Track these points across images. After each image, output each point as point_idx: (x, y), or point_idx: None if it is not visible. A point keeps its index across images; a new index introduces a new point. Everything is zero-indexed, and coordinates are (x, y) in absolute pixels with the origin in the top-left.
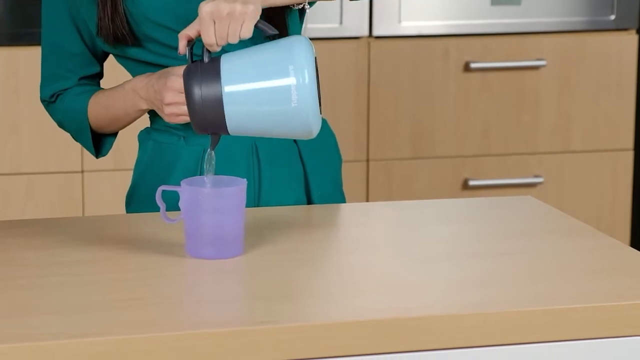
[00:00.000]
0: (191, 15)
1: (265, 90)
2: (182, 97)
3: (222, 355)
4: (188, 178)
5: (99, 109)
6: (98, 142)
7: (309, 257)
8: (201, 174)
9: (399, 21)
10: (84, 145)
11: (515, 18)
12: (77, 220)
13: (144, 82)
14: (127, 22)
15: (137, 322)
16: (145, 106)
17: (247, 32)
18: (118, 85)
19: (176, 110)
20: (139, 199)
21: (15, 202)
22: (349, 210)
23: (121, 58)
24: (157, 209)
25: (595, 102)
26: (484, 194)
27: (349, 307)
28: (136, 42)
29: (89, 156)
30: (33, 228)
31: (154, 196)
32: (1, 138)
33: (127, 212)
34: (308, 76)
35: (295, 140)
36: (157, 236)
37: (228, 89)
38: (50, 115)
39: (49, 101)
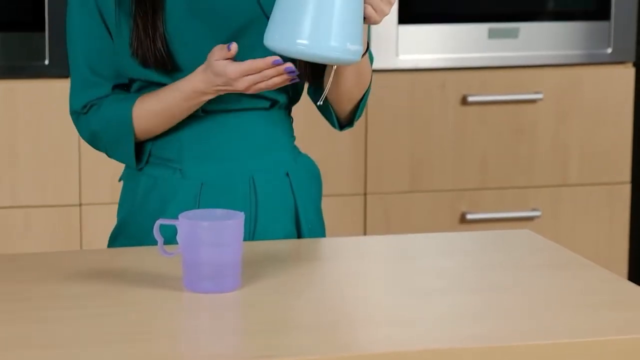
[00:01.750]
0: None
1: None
2: (252, 78)
3: None
4: (186, 212)
5: (151, 112)
6: (136, 151)
7: (307, 291)
8: (199, 208)
9: (397, 54)
10: (122, 155)
11: (512, 51)
12: (74, 253)
13: (205, 82)
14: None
15: (136, 356)
16: (211, 97)
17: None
18: (168, 88)
19: (255, 88)
20: (129, 236)
21: (13, 235)
22: (346, 244)
23: (139, 82)
24: (146, 245)
25: (593, 135)
26: (481, 228)
27: (346, 341)
28: (173, 67)
29: (86, 189)
30: (30, 261)
31: (146, 232)
32: None
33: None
34: None
35: (287, 173)
36: (155, 270)
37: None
38: (79, 128)
39: (81, 112)
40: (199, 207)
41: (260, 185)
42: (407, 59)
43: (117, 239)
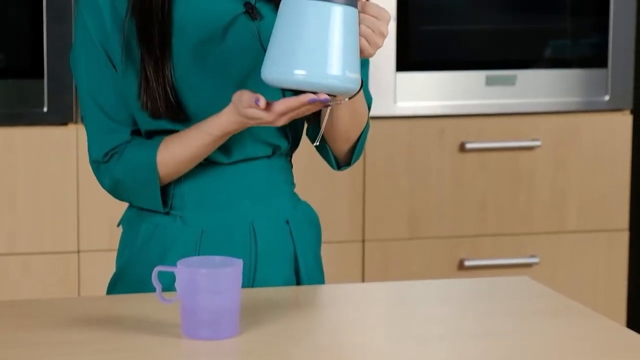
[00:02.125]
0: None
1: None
2: (290, 115)
3: None
4: (184, 259)
5: (175, 159)
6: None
7: (306, 338)
8: (199, 255)
9: (395, 101)
10: (147, 199)
11: (510, 98)
12: (72, 300)
13: (233, 121)
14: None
15: None
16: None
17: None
18: (193, 130)
19: (285, 119)
20: (128, 282)
21: (11, 281)
22: (345, 291)
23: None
24: (146, 291)
25: (590, 182)
26: (480, 274)
27: None
28: (183, 115)
29: (85, 236)
30: (29, 308)
31: (146, 279)
32: None
33: (110, 294)
34: None
35: (287, 221)
36: (154, 317)
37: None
38: (100, 178)
39: (102, 161)
40: (199, 254)
41: (260, 232)
42: (405, 106)
43: (117, 285)
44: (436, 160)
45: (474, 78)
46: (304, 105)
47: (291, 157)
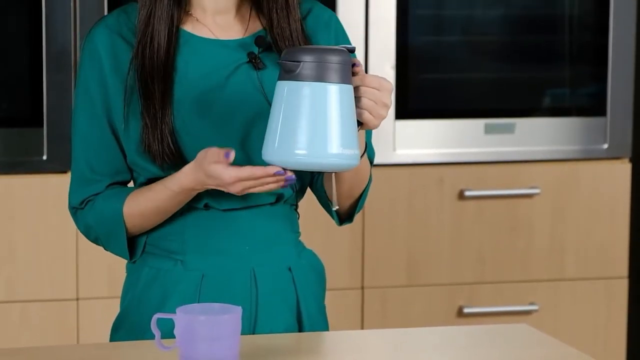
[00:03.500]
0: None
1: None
2: (248, 183)
3: None
4: (183, 306)
5: (143, 210)
6: (130, 244)
7: None
8: (199, 300)
9: (394, 149)
10: (115, 249)
11: (509, 147)
12: (71, 348)
13: (196, 181)
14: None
15: None
16: (201, 190)
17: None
18: (159, 184)
19: (249, 191)
20: (130, 326)
21: (9, 329)
22: (344, 338)
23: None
24: (146, 337)
25: (589, 230)
26: (479, 322)
27: None
28: (183, 162)
29: (84, 284)
30: (27, 356)
31: (146, 323)
32: None
33: (113, 338)
34: None
35: (290, 268)
36: None
37: None
38: (77, 222)
39: (78, 208)
40: (199, 299)
41: (260, 279)
42: (405, 154)
43: (119, 330)
44: (435, 207)
45: (473, 126)
46: (268, 176)
47: (297, 205)
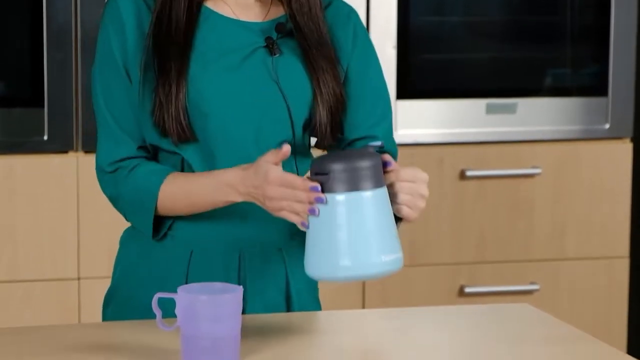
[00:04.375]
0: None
1: None
2: (284, 191)
3: None
4: (184, 285)
5: (177, 194)
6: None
7: None
8: (188, 275)
9: (395, 129)
10: (139, 224)
11: (510, 127)
12: (73, 327)
13: (240, 177)
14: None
15: None
16: (240, 199)
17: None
18: (203, 174)
19: (279, 204)
20: (120, 299)
21: (11, 309)
22: (344, 317)
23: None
24: (137, 311)
25: (590, 209)
26: (480, 301)
27: None
28: (193, 138)
29: (85, 263)
30: (29, 335)
31: (136, 297)
32: None
33: (105, 312)
34: None
35: (280, 249)
36: (154, 344)
37: None
38: (103, 186)
39: (106, 171)
40: (187, 275)
41: (249, 259)
42: (406, 134)
43: (110, 304)
44: (436, 188)
45: (475, 106)
46: (304, 190)
47: None
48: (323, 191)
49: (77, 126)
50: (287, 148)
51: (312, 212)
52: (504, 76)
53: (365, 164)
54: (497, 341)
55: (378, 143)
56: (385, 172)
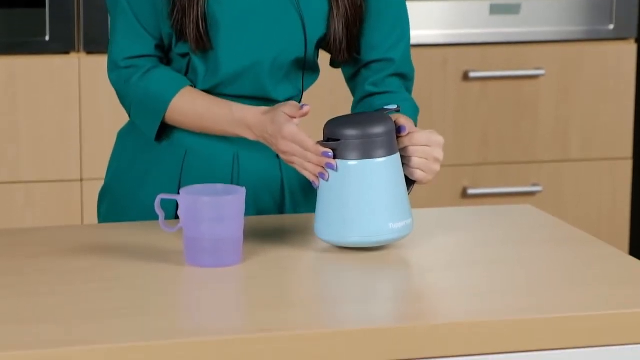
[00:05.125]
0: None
1: None
2: (296, 147)
3: None
4: (187, 187)
5: (189, 113)
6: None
7: (309, 266)
8: (182, 176)
9: None
10: (145, 124)
11: (514, 27)
12: (75, 228)
13: (257, 120)
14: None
15: (135, 331)
16: (253, 139)
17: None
18: (220, 103)
19: (290, 158)
20: (114, 197)
21: (14, 210)
22: None
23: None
24: (131, 208)
25: (594, 111)
26: (483, 203)
27: (349, 316)
28: (209, 45)
29: (88, 164)
30: (32, 236)
31: (130, 195)
32: (0, 146)
33: (99, 209)
34: None
35: (277, 155)
36: (156, 244)
37: None
38: (114, 80)
39: (119, 66)
40: (181, 175)
41: (243, 163)
42: None
43: (103, 201)
44: (439, 89)
45: (478, 6)
46: (316, 154)
47: (300, 102)
48: (335, 157)
49: (78, 27)
50: (307, 109)
51: (322, 176)
52: None
53: (378, 130)
54: (500, 242)
55: (393, 106)
56: (399, 137)
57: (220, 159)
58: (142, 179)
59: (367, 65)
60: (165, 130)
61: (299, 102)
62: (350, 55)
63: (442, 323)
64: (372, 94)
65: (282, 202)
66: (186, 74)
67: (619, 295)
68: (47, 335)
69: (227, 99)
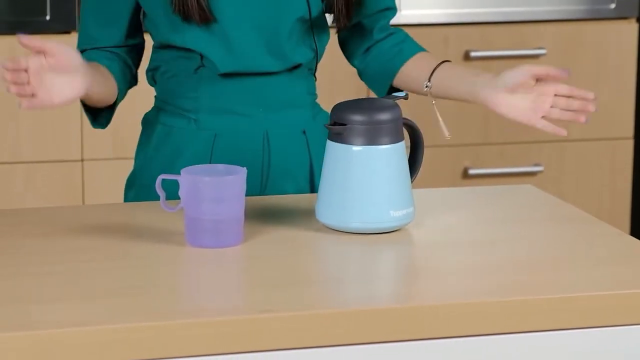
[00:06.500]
0: None
1: None
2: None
3: (220, 343)
4: (188, 167)
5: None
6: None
7: (310, 246)
8: (212, 159)
9: (399, 10)
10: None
11: (515, 7)
12: (76, 208)
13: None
14: None
15: (136, 311)
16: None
17: None
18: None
19: None
20: (142, 184)
21: (14, 190)
22: None
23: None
24: (156, 196)
25: (595, 90)
26: (484, 183)
27: (350, 296)
28: (213, 19)
29: (89, 145)
30: (32, 217)
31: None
32: (1, 126)
33: (127, 195)
34: None
35: (304, 131)
36: (157, 225)
37: None
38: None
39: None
40: (211, 159)
41: (274, 141)
42: (410, 14)
43: (132, 188)
44: None
45: None
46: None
47: (314, 70)
48: (340, 142)
49: (79, 6)
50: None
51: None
52: None
53: (384, 117)
54: (501, 222)
55: (402, 94)
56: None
57: (250, 138)
58: (170, 165)
59: (369, 16)
60: (190, 112)
61: (317, 62)
62: (349, 19)
63: (442, 304)
64: (380, 40)
65: (312, 180)
66: (200, 68)
67: (620, 275)
68: (47, 316)
69: (252, 78)
